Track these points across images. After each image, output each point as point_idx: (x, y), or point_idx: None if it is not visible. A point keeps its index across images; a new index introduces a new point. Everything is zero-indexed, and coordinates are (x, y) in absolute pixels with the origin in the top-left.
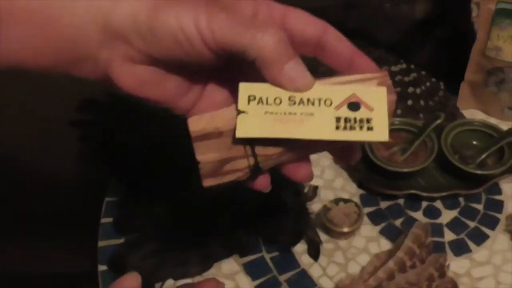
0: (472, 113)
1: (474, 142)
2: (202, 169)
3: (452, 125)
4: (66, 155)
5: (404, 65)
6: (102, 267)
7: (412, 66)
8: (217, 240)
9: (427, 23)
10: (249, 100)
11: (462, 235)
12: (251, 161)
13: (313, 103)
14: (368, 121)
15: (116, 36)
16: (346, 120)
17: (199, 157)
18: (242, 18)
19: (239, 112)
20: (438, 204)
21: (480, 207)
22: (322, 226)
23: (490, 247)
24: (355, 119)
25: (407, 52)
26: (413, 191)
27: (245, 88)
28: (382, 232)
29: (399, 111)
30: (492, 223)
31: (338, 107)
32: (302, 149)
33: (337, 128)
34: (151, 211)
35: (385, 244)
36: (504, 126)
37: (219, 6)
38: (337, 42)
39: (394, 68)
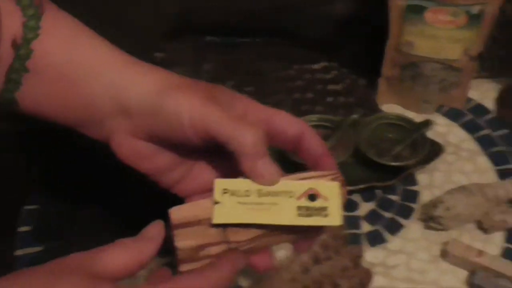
0: (391, 108)
1: (390, 135)
2: (180, 255)
3: (368, 120)
4: None
5: (325, 63)
6: None
7: (333, 64)
8: None
9: (347, 21)
10: (223, 193)
11: (378, 226)
12: (224, 247)
13: (278, 195)
14: (324, 209)
15: (123, 111)
16: (306, 208)
17: (179, 243)
18: (232, 114)
19: (215, 202)
20: (356, 197)
21: (396, 198)
22: None
23: (404, 236)
24: (313, 207)
25: (328, 51)
26: None
27: (219, 183)
28: None
29: (319, 108)
30: (407, 213)
31: (299, 198)
32: (267, 237)
33: (299, 215)
34: (74, 217)
35: None
36: (421, 119)
37: (215, 100)
38: (312, 142)
39: (316, 66)
